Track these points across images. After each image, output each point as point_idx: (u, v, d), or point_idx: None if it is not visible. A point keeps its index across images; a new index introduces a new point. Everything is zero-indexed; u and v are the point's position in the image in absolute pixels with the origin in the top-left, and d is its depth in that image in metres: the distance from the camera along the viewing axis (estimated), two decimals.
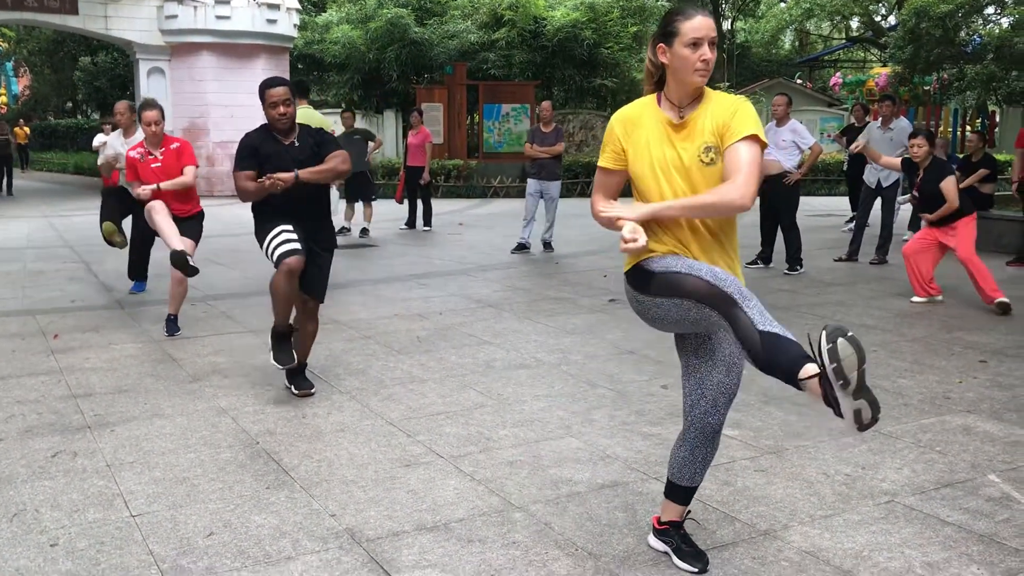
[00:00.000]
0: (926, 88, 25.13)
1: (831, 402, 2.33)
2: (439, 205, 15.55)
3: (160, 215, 6.17)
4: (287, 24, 21.16)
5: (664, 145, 2.74)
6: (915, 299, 7.50)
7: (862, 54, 38.50)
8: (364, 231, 12.44)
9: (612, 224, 2.77)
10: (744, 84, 32.35)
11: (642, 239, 2.63)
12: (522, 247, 10.79)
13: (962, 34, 21.90)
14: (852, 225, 10.69)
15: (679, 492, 3.01)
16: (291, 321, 4.88)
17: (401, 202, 13.64)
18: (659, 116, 2.77)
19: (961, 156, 12.77)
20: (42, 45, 35.98)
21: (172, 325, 6.40)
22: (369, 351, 5.93)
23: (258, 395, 4.95)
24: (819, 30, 40.32)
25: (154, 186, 6.35)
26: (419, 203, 13.28)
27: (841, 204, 15.91)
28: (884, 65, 28.59)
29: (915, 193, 7.67)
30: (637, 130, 2.79)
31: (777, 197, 9.20)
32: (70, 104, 40.83)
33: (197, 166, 6.59)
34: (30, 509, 3.46)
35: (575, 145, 21.21)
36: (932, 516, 3.35)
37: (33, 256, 10.76)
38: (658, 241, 2.74)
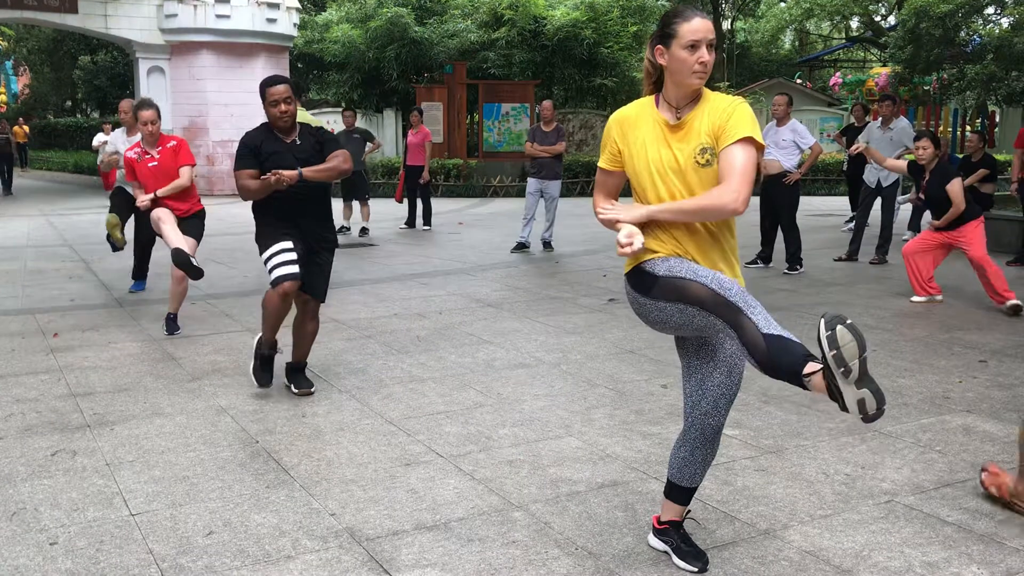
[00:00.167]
0: (926, 88, 25.16)
1: (835, 394, 2.31)
2: (439, 204, 15.56)
3: (167, 225, 6.14)
4: (287, 23, 21.16)
5: (660, 146, 2.74)
6: (915, 299, 7.51)
7: (862, 54, 38.52)
8: (364, 230, 12.44)
9: (612, 225, 2.78)
10: (744, 84, 32.36)
11: (638, 242, 2.63)
12: (522, 246, 10.79)
13: (962, 34, 21.93)
14: (852, 225, 10.69)
15: (679, 492, 3.01)
16: (276, 339, 4.97)
17: (401, 201, 13.64)
18: (656, 117, 2.77)
19: (961, 156, 12.77)
20: (42, 44, 35.98)
21: (172, 324, 6.40)
22: (369, 350, 5.93)
23: (258, 394, 4.95)
24: (819, 30, 40.32)
25: (152, 195, 6.35)
26: (419, 202, 13.28)
27: (841, 204, 15.92)
28: (884, 65, 28.61)
29: (921, 196, 7.64)
30: (634, 131, 2.79)
31: (777, 197, 9.20)
32: (70, 103, 40.81)
33: (194, 164, 6.58)
34: (29, 508, 3.46)
35: (575, 144, 21.21)
36: (932, 516, 3.35)
37: (33, 255, 10.76)
38: (657, 241, 2.74)
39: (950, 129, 23.96)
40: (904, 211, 11.96)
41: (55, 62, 36.61)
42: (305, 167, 4.70)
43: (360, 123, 17.33)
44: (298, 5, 22.01)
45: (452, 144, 20.80)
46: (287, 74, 21.01)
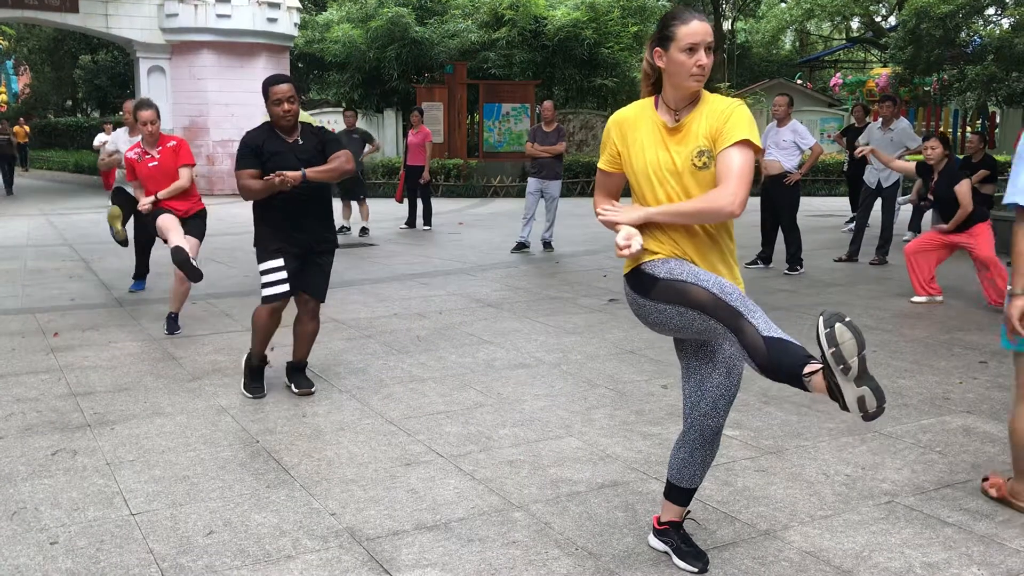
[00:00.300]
0: (926, 89, 25.17)
1: (835, 393, 2.31)
2: (439, 204, 15.56)
3: (173, 234, 6.13)
4: (288, 23, 21.16)
5: (658, 148, 2.74)
6: (915, 299, 7.51)
7: (862, 55, 38.52)
8: (364, 230, 12.44)
9: (612, 226, 2.81)
10: (744, 84, 32.36)
11: (636, 244, 2.64)
12: (522, 246, 10.79)
13: (962, 35, 21.93)
14: (852, 226, 10.69)
15: (679, 493, 3.01)
16: (267, 351, 5.04)
17: (401, 201, 13.64)
18: (655, 119, 2.77)
19: (961, 157, 12.77)
20: (42, 43, 35.99)
21: (173, 323, 6.40)
22: (369, 350, 5.93)
23: None
24: (819, 30, 40.33)
25: (152, 198, 6.35)
26: (419, 202, 13.28)
27: (841, 204, 15.92)
28: (884, 66, 28.61)
29: (930, 196, 7.62)
30: (633, 132, 2.79)
31: (778, 197, 9.20)
32: (70, 102, 40.83)
33: (194, 165, 6.58)
34: (30, 507, 3.46)
35: (575, 145, 21.22)
36: (932, 516, 3.35)
37: (33, 254, 10.76)
38: (656, 242, 2.74)
39: (950, 130, 23.97)
40: (904, 212, 11.96)
41: (56, 61, 36.63)
42: (308, 167, 4.70)
43: (361, 123, 17.33)
44: (299, 5, 22.02)
45: (452, 144, 20.81)
46: (287, 74, 21.01)
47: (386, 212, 14.93)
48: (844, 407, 2.32)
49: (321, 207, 4.92)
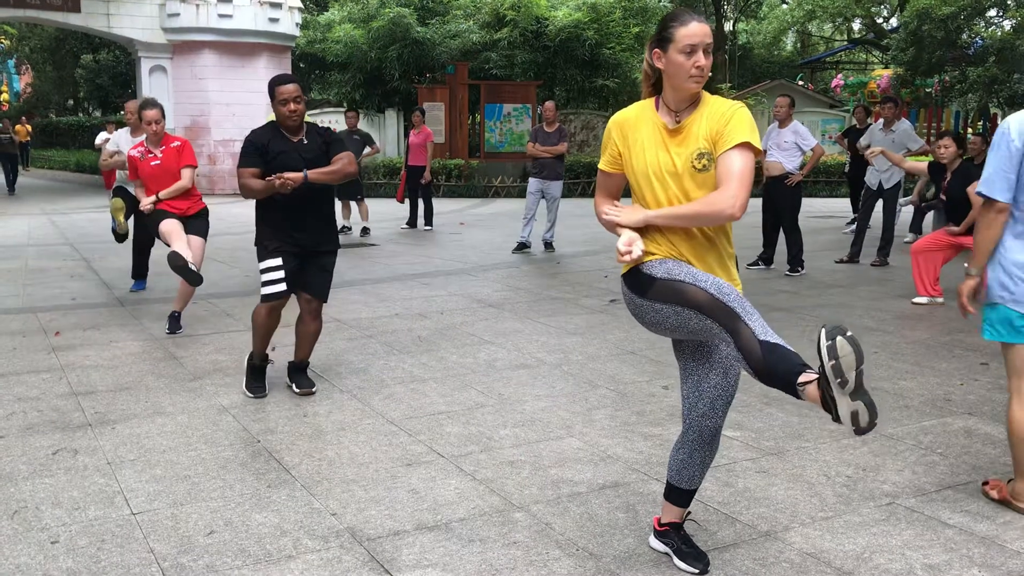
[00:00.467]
0: (928, 90, 25.14)
1: (829, 405, 2.32)
2: (440, 205, 15.56)
3: (177, 243, 6.12)
4: (289, 23, 21.17)
5: (659, 150, 2.75)
6: (916, 300, 7.50)
7: (864, 56, 38.49)
8: (365, 230, 12.44)
9: (612, 228, 2.82)
10: (745, 85, 32.36)
11: (637, 250, 2.66)
12: (523, 246, 10.79)
13: (964, 36, 21.91)
14: (853, 227, 10.68)
15: (679, 494, 3.01)
16: (269, 351, 5.06)
17: (402, 201, 13.65)
18: (655, 120, 2.77)
19: (963, 158, 12.75)
20: (44, 43, 36.00)
21: (175, 323, 6.39)
22: (370, 350, 5.93)
23: None
24: (821, 32, 40.31)
25: (154, 198, 6.36)
26: (420, 202, 13.29)
27: (843, 206, 15.92)
28: (886, 67, 28.59)
29: (942, 196, 7.57)
30: (634, 133, 2.79)
31: (779, 198, 9.20)
32: (72, 102, 40.84)
33: (196, 166, 6.59)
34: (31, 506, 3.46)
35: (576, 145, 21.22)
36: (933, 518, 3.35)
37: (34, 254, 10.76)
38: (654, 243, 2.75)
39: (933, 137, 23.96)
40: (905, 213, 11.95)
41: (57, 61, 36.64)
42: (311, 167, 4.71)
43: (362, 123, 17.34)
44: (300, 5, 22.02)
45: (454, 144, 20.81)
46: (293, 74, 21.03)
47: (387, 212, 14.94)
48: (836, 419, 2.32)
49: (323, 208, 4.92)
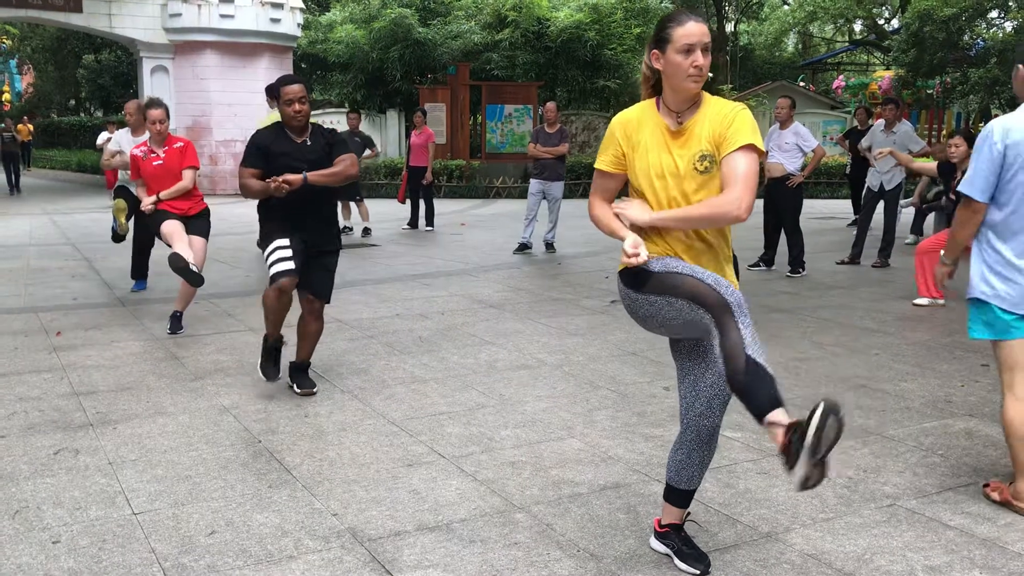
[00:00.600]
0: (929, 92, 25.13)
1: (790, 457, 2.40)
2: (441, 205, 15.56)
3: (178, 244, 6.12)
4: (291, 23, 21.19)
5: (661, 151, 2.75)
6: (917, 302, 7.50)
7: (865, 57, 38.49)
8: (366, 231, 12.45)
9: (613, 232, 2.80)
10: (747, 86, 32.35)
11: (644, 254, 2.66)
12: (524, 247, 10.79)
13: (965, 38, 21.92)
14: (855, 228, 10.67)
15: (678, 495, 3.02)
16: (281, 333, 4.99)
17: (403, 202, 13.65)
18: (658, 121, 2.78)
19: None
20: (46, 43, 36.02)
21: (176, 322, 6.39)
22: (371, 351, 5.93)
23: (260, 394, 4.95)
24: (822, 33, 40.30)
25: (154, 198, 6.36)
26: (421, 203, 13.29)
27: (844, 207, 15.91)
28: (887, 68, 28.59)
29: (951, 196, 7.58)
30: (637, 134, 2.80)
31: (780, 200, 9.20)
32: (73, 102, 40.88)
33: (198, 168, 6.59)
34: (32, 506, 3.46)
35: (578, 146, 21.21)
36: (934, 520, 3.35)
37: (36, 253, 10.77)
38: (651, 243, 2.77)
39: (944, 135, 23.95)
40: (907, 215, 11.95)
41: (59, 61, 36.67)
42: (314, 168, 4.72)
43: (364, 124, 17.34)
44: (302, 5, 22.03)
45: (455, 145, 20.81)
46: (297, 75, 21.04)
47: (388, 213, 14.94)
48: (788, 470, 2.42)
49: (323, 209, 4.93)
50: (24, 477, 3.75)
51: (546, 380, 5.24)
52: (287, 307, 4.87)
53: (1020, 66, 3.57)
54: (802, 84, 33.98)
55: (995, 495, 3.50)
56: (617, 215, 2.82)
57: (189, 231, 6.30)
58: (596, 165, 2.89)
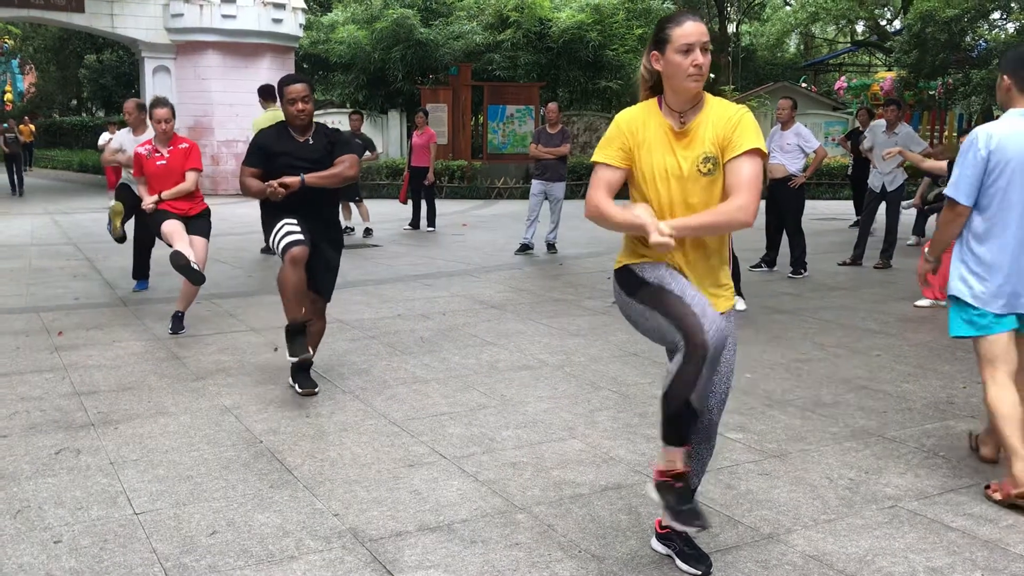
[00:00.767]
0: (931, 93, 25.11)
1: (659, 490, 2.77)
2: (443, 206, 15.56)
3: (179, 244, 6.12)
4: (293, 24, 21.20)
5: (665, 152, 2.75)
6: (919, 303, 7.49)
7: (867, 58, 38.48)
8: (368, 231, 12.45)
9: (628, 223, 2.71)
10: (749, 87, 32.34)
11: (641, 213, 2.67)
12: (525, 248, 10.79)
13: (968, 39, 21.91)
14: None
15: None
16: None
17: (405, 202, 13.65)
18: (661, 122, 2.78)
19: None
20: (48, 43, 36.07)
21: (178, 323, 6.39)
22: (373, 351, 5.93)
23: (262, 394, 4.96)
24: (824, 34, 40.29)
25: (156, 197, 6.37)
26: (423, 204, 13.29)
27: (845, 208, 15.91)
28: (889, 69, 28.58)
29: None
30: (642, 132, 2.80)
31: (783, 201, 9.19)
32: (75, 102, 40.92)
33: (201, 170, 6.60)
34: (33, 506, 3.46)
35: (579, 147, 21.21)
36: (936, 521, 3.35)
37: (37, 253, 10.78)
38: (648, 247, 2.75)
39: (955, 134, 23.92)
40: (908, 216, 11.94)
41: (61, 61, 36.71)
42: (316, 168, 4.73)
43: (366, 124, 17.34)
44: (304, 6, 22.05)
45: (456, 146, 20.81)
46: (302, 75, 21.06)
47: (390, 213, 14.94)
48: (654, 496, 2.79)
49: (327, 209, 4.94)
50: (26, 477, 3.76)
51: (547, 381, 5.24)
52: (304, 282, 4.67)
53: (1005, 76, 3.69)
54: (804, 85, 33.95)
55: (997, 495, 3.50)
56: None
57: (190, 231, 6.31)
58: (599, 160, 2.81)
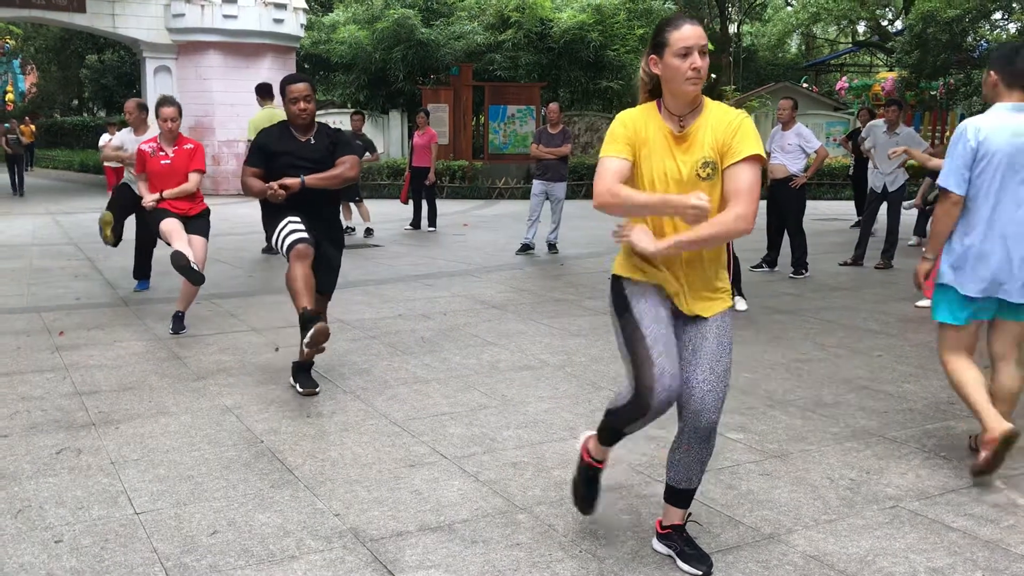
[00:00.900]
0: (932, 93, 25.11)
1: (578, 493, 3.22)
2: (444, 206, 15.57)
3: (177, 243, 6.13)
4: (294, 24, 21.21)
5: (665, 155, 2.76)
6: (920, 303, 7.49)
7: (868, 58, 38.49)
8: (368, 231, 12.46)
9: (644, 205, 2.70)
10: (750, 87, 32.34)
11: (637, 238, 2.71)
12: (526, 248, 10.79)
13: (969, 39, 21.90)
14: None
15: (678, 496, 3.02)
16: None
17: (406, 202, 13.66)
18: (661, 125, 2.79)
19: None
20: (49, 43, 36.10)
21: (179, 322, 6.39)
22: (374, 351, 5.93)
23: (263, 394, 4.96)
24: (825, 34, 40.30)
25: (158, 195, 6.37)
26: (424, 204, 13.29)
27: (847, 208, 15.91)
28: (890, 70, 28.57)
29: None
30: (644, 132, 2.81)
31: (784, 201, 9.19)
32: (76, 102, 40.94)
33: (204, 172, 6.60)
34: (35, 505, 3.46)
35: (580, 147, 21.22)
36: (937, 521, 3.35)
37: (38, 253, 10.78)
38: (646, 261, 2.81)
39: None
40: (909, 216, 11.93)
41: (62, 61, 36.73)
42: (316, 168, 4.73)
43: (367, 124, 17.35)
44: (305, 6, 22.06)
45: (458, 146, 20.82)
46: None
47: (391, 213, 14.95)
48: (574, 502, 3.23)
49: (326, 210, 4.94)
50: (27, 476, 3.76)
51: (548, 381, 5.24)
52: (311, 275, 4.60)
53: (992, 72, 3.86)
54: (805, 85, 33.94)
55: (983, 454, 3.68)
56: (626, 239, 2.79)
57: (189, 231, 6.32)
58: (607, 154, 2.78)
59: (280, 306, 7.26)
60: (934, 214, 3.94)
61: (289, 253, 4.60)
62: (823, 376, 5.36)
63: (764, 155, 2.71)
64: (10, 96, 39.00)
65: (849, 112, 25.48)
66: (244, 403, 4.79)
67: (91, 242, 11.65)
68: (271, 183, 4.66)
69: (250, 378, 5.26)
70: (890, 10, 32.76)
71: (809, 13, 29.61)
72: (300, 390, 4.94)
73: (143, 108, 7.81)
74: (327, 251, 4.90)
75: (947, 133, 23.39)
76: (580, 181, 19.50)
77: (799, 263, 9.10)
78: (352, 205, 12.59)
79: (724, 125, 2.71)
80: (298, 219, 4.70)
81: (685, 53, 2.66)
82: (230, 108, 20.36)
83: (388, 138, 22.17)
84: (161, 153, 6.46)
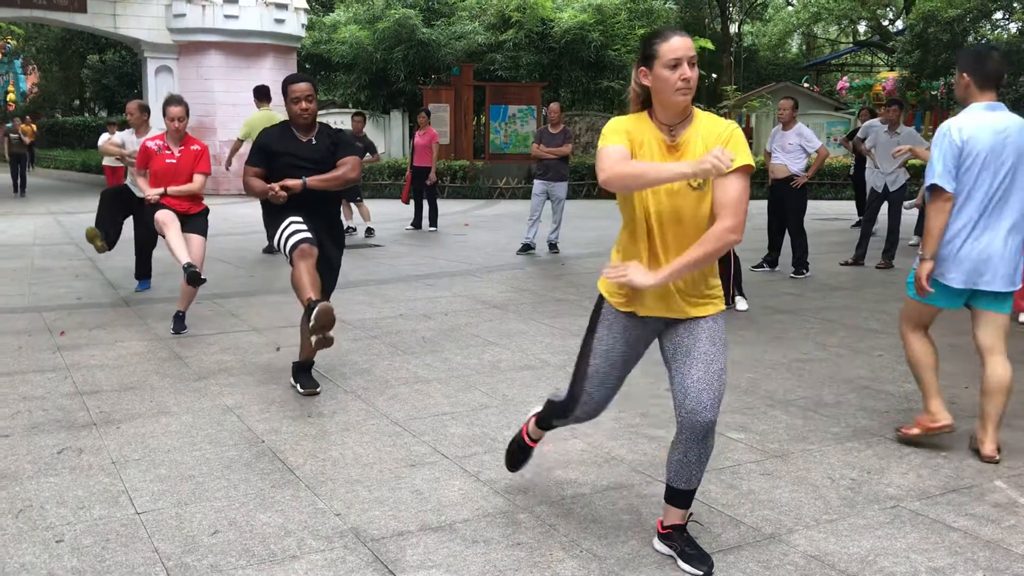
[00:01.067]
0: (933, 93, 25.10)
1: (512, 458, 3.63)
2: (445, 206, 15.57)
3: (171, 233, 6.14)
4: (295, 24, 21.20)
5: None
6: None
7: (869, 58, 38.47)
8: (369, 231, 12.46)
9: (658, 179, 2.62)
10: (751, 87, 32.32)
11: (633, 275, 2.73)
12: (527, 248, 10.79)
13: (970, 39, 21.87)
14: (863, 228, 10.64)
15: (678, 496, 3.02)
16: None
17: (407, 202, 13.66)
18: (655, 134, 2.84)
19: None
20: (50, 43, 36.10)
21: (179, 322, 6.40)
22: (374, 351, 5.93)
23: (264, 394, 4.96)
24: (826, 34, 40.29)
25: (161, 190, 6.38)
26: (425, 203, 13.29)
27: (847, 208, 15.90)
28: (891, 69, 28.56)
29: None
30: (638, 138, 2.84)
31: (785, 201, 9.19)
32: (78, 102, 40.96)
33: (209, 174, 6.60)
34: (36, 505, 3.46)
35: (581, 147, 21.22)
36: (938, 521, 3.35)
37: (40, 253, 10.79)
38: (622, 291, 2.93)
39: None
40: (910, 216, 11.93)
41: (63, 61, 36.75)
42: (318, 168, 4.73)
43: (368, 124, 17.35)
44: (306, 6, 22.06)
45: (459, 146, 20.82)
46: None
47: (392, 213, 14.95)
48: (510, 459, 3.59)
49: (329, 208, 4.94)
50: (28, 476, 3.76)
51: (549, 381, 5.24)
52: (314, 272, 4.55)
53: (964, 74, 4.04)
54: (806, 85, 33.94)
55: (915, 431, 3.95)
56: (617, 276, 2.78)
57: (188, 230, 6.32)
58: (609, 143, 2.76)
59: (281, 306, 7.27)
60: (927, 213, 4.02)
61: (292, 253, 4.60)
62: (824, 376, 5.36)
63: (753, 165, 2.76)
64: (11, 96, 39.02)
65: (850, 112, 25.46)
66: (245, 403, 4.80)
67: None
68: (272, 184, 4.66)
69: (251, 378, 5.26)
70: (891, 10, 32.75)
71: (810, 13, 29.62)
72: (301, 390, 4.94)
73: (145, 110, 7.82)
74: (328, 251, 4.90)
75: None
76: (581, 181, 19.50)
77: (800, 263, 9.10)
78: (353, 205, 12.59)
79: (715, 136, 2.76)
80: (300, 219, 4.70)
81: (675, 65, 2.70)
82: (231, 108, 20.36)
83: (389, 138, 22.17)
84: (167, 152, 6.46)
